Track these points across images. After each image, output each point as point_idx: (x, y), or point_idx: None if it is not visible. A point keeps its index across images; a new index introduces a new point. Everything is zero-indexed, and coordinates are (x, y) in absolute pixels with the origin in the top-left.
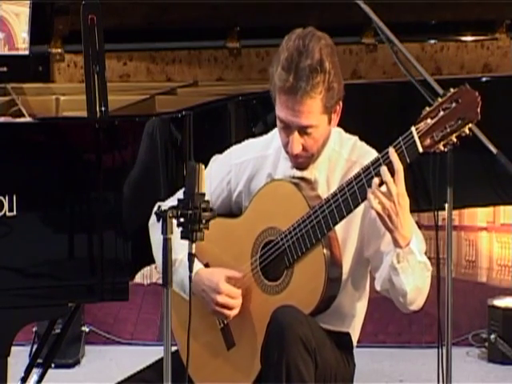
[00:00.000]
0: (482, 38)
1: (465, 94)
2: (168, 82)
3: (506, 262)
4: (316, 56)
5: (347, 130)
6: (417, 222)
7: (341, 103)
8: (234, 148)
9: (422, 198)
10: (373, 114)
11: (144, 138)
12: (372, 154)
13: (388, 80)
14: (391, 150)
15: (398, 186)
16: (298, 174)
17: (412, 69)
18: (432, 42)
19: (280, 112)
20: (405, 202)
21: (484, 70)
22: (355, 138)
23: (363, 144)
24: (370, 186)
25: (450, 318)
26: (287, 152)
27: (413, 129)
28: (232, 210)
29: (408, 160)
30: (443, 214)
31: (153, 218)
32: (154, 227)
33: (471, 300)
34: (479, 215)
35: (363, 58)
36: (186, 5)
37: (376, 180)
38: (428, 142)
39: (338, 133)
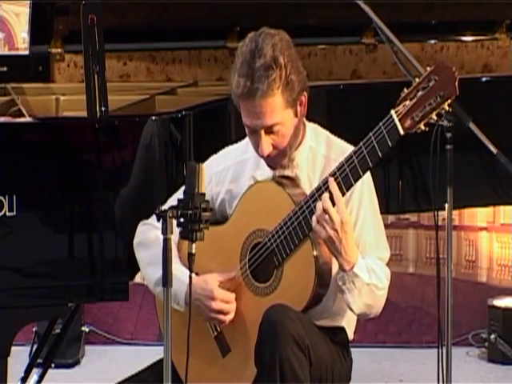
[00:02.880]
0: (482, 37)
1: (441, 70)
2: (168, 82)
3: (506, 261)
4: (269, 53)
5: (347, 130)
6: (417, 222)
7: (306, 94)
8: (213, 157)
9: (422, 198)
10: (373, 113)
11: (141, 145)
12: (349, 150)
13: (388, 80)
14: (330, 180)
15: (340, 215)
16: (281, 173)
17: (412, 69)
18: (432, 42)
19: (245, 119)
20: (349, 228)
21: (484, 70)
22: (326, 133)
23: (335, 139)
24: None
25: (450, 318)
26: (260, 155)
27: (392, 112)
28: (216, 218)
29: (390, 144)
30: (443, 214)
31: (136, 239)
32: (138, 248)
33: (471, 300)
34: (479, 215)
35: (363, 58)
36: (186, 5)
37: (320, 205)
38: (408, 123)
39: (313, 129)
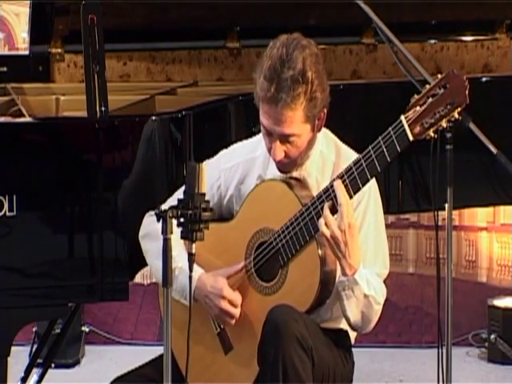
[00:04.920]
0: (482, 37)
1: (452, 78)
2: (168, 82)
3: (506, 262)
4: (299, 66)
5: (347, 130)
6: (417, 222)
7: (325, 110)
8: (223, 153)
9: (422, 198)
10: (373, 113)
11: (142, 143)
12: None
13: (388, 80)
14: (338, 182)
15: (348, 217)
16: (288, 174)
17: (412, 69)
18: (432, 41)
19: (263, 119)
20: (355, 232)
21: (484, 70)
22: (335, 139)
23: (343, 145)
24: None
25: (450, 318)
26: (271, 157)
27: (402, 117)
28: (223, 215)
29: (399, 149)
30: (443, 214)
31: (142, 230)
32: (145, 239)
33: (471, 300)
34: (479, 215)
35: (363, 58)
36: (186, 5)
37: (327, 207)
38: (418, 129)
39: (323, 133)
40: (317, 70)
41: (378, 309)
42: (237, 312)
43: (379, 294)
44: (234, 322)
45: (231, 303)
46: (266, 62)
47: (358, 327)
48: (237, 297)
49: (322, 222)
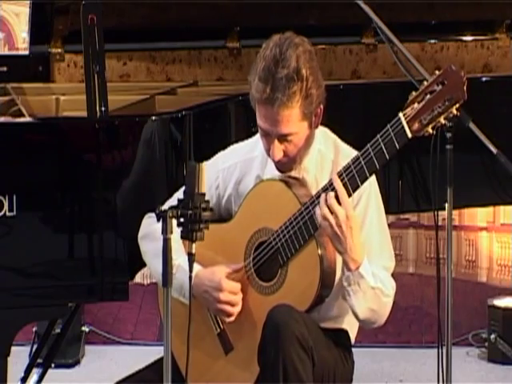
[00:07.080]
0: (482, 37)
1: (450, 74)
2: (168, 82)
3: (506, 261)
4: (292, 64)
5: (347, 130)
6: (417, 222)
7: (322, 106)
8: (221, 154)
9: (422, 198)
10: (373, 113)
11: (141, 143)
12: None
13: (388, 80)
14: (335, 178)
15: (345, 209)
16: (287, 173)
17: (412, 69)
18: (432, 41)
19: (259, 121)
20: (355, 224)
21: (484, 70)
22: (334, 137)
23: (343, 144)
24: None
25: (450, 318)
26: (270, 158)
27: (400, 115)
28: (222, 216)
29: (397, 146)
30: (443, 213)
31: (141, 231)
32: (144, 240)
33: (471, 300)
34: (479, 215)
35: (363, 58)
36: (186, 5)
37: (323, 199)
38: (416, 126)
39: (323, 132)
40: (311, 67)
41: (386, 301)
42: (238, 299)
43: (387, 286)
44: (237, 311)
45: (231, 292)
46: (260, 63)
47: (367, 323)
48: (235, 285)
49: (319, 214)
